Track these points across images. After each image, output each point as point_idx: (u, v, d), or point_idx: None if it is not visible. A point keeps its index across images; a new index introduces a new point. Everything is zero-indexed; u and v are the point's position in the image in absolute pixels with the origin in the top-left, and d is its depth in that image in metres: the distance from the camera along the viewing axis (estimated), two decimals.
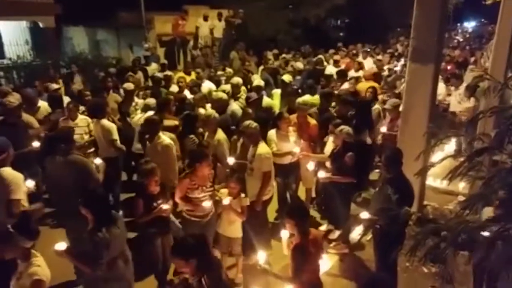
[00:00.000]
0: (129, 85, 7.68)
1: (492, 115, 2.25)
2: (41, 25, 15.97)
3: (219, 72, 10.18)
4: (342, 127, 5.36)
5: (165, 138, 5.48)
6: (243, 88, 8.16)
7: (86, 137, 6.23)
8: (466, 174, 2.19)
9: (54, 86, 8.12)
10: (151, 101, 6.78)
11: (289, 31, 17.33)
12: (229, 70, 10.24)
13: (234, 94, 7.62)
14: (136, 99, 7.58)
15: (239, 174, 4.95)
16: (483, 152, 2.14)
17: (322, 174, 5.44)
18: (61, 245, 3.42)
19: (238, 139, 5.80)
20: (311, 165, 5.58)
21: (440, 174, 6.14)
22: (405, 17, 13.41)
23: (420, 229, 2.64)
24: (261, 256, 3.72)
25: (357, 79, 8.86)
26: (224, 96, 7.00)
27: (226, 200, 4.57)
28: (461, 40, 22.47)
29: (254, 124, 5.21)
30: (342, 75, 9.06)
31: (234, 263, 5.01)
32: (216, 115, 5.97)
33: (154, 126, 5.53)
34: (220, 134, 5.72)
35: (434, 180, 6.60)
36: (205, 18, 14.01)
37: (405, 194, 4.00)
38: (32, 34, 16.29)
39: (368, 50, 14.11)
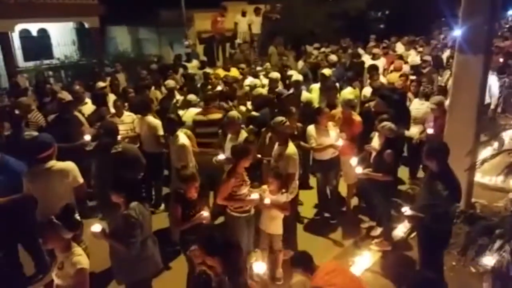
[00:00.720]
0: (170, 82, 7.86)
1: None
2: (86, 25, 16.63)
3: (258, 68, 10.20)
4: (384, 123, 5.22)
5: (182, 137, 5.55)
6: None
7: (131, 133, 6.42)
8: None
9: (101, 84, 8.43)
10: (192, 97, 6.90)
11: (328, 24, 17.02)
12: (268, 65, 10.23)
13: (272, 89, 7.58)
14: (177, 95, 7.73)
15: (277, 170, 4.90)
16: None
17: (359, 170, 5.35)
18: (97, 227, 3.65)
19: (267, 132, 5.71)
20: (354, 161, 5.47)
21: (488, 170, 5.89)
22: (449, 6, 12.84)
23: (471, 227, 2.54)
24: (258, 267, 3.73)
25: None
26: (264, 91, 6.98)
27: (267, 200, 4.57)
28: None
29: (286, 123, 5.13)
30: (373, 69, 8.85)
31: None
32: (239, 116, 5.75)
33: (172, 125, 5.67)
34: (244, 135, 5.62)
35: (482, 176, 6.32)
36: (243, 14, 14.03)
37: (454, 189, 3.81)
38: (78, 34, 17.03)
39: (411, 40, 13.65)
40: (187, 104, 6.86)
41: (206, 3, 15.34)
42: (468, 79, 5.12)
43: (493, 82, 8.19)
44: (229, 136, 5.63)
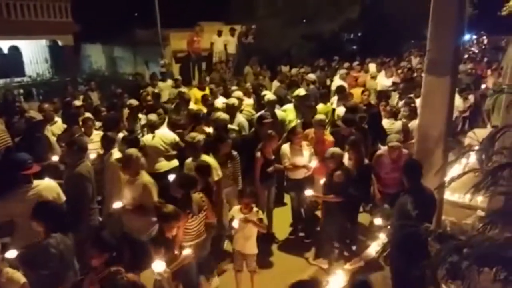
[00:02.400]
0: (133, 102, 7.77)
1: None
2: (60, 43, 16.40)
3: (234, 87, 10.24)
4: (330, 149, 5.36)
5: (115, 155, 5.35)
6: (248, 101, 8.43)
7: (101, 151, 6.27)
8: (488, 189, 2.13)
9: (76, 103, 8.28)
10: (152, 117, 6.73)
11: (302, 45, 17.40)
12: (248, 84, 10.24)
13: (238, 107, 7.55)
14: (140, 115, 7.61)
15: (251, 188, 4.95)
16: (505, 168, 2.08)
17: (309, 192, 5.40)
18: (12, 253, 3.49)
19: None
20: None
21: (457, 188, 6.01)
22: (419, 29, 13.34)
23: (441, 246, 2.56)
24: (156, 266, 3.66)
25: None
26: (223, 116, 6.68)
27: (235, 223, 4.54)
28: (476, 51, 22.23)
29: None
30: (341, 91, 9.03)
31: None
32: (201, 137, 5.66)
33: (109, 143, 5.58)
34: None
35: (451, 194, 6.45)
36: (219, 34, 14.19)
37: (425, 208, 3.87)
38: (52, 52, 16.76)
39: (382, 62, 14.07)
40: (149, 123, 6.69)
41: (182, 23, 15.44)
42: (436, 99, 5.26)
43: (457, 102, 8.49)
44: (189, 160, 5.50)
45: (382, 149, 5.96)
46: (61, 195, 4.41)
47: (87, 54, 18.58)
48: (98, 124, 7.05)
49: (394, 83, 9.78)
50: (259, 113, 7.10)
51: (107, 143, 5.58)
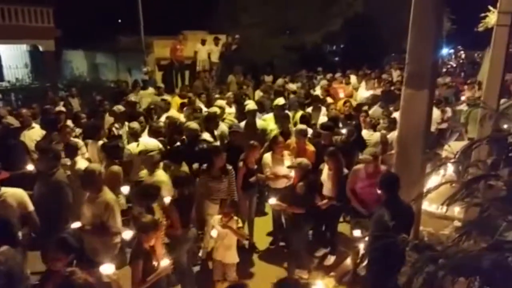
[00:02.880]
0: (121, 108, 7.71)
1: (488, 144, 2.26)
2: (40, 48, 16.17)
3: (216, 96, 10.24)
4: (298, 159, 5.43)
5: (81, 162, 5.23)
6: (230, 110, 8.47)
7: None
8: (463, 200, 2.18)
9: (57, 109, 8.15)
10: (134, 125, 6.63)
11: (285, 56, 17.58)
12: (228, 94, 10.23)
13: (219, 116, 7.57)
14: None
15: (231, 198, 5.00)
16: (480, 180, 2.14)
17: (273, 201, 5.43)
18: None
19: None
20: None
21: (435, 198, 6.12)
22: (400, 42, 13.64)
23: (418, 256, 2.61)
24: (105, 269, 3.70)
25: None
26: (193, 125, 6.56)
27: (214, 232, 4.54)
28: (454, 65, 22.84)
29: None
30: (316, 100, 9.18)
31: None
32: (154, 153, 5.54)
33: (71, 151, 5.48)
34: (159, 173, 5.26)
35: (429, 205, 6.56)
36: (203, 42, 14.21)
37: (402, 220, 3.90)
38: (32, 57, 16.51)
39: (364, 74, 14.32)
40: (131, 132, 6.57)
41: (165, 30, 15.44)
42: (415, 112, 5.37)
43: (435, 114, 8.67)
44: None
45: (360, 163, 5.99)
46: (28, 204, 4.29)
47: (69, 60, 18.39)
48: (78, 130, 6.95)
49: (372, 96, 9.93)
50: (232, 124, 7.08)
51: (69, 152, 5.45)
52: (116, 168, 5.34)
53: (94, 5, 18.22)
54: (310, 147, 6.31)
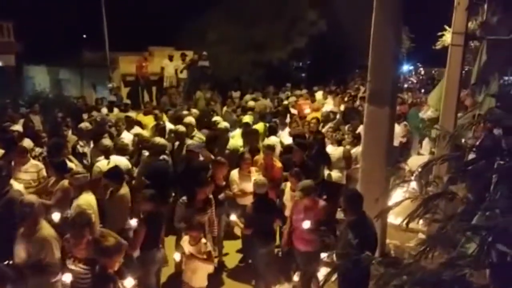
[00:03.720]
0: (88, 125, 7.54)
1: (443, 163, 2.37)
2: (0, 63, 15.63)
3: (185, 112, 10.16)
4: (257, 178, 5.41)
5: (14, 186, 4.90)
6: None
7: (35, 185, 5.76)
8: (422, 217, 2.26)
9: (16, 127, 7.85)
10: (107, 141, 6.50)
11: (252, 72, 17.78)
12: (194, 110, 10.18)
13: (188, 134, 7.47)
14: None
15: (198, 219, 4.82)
16: (437, 198, 2.22)
17: (233, 217, 5.42)
18: None
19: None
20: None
21: (400, 212, 6.28)
22: (363, 58, 14.08)
23: (383, 272, 2.67)
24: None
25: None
26: (162, 141, 6.48)
27: (177, 256, 4.47)
28: (415, 81, 23.77)
29: None
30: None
31: None
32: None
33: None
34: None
35: (395, 218, 6.72)
36: (170, 58, 14.17)
37: (366, 238, 3.92)
38: None
39: (330, 90, 14.67)
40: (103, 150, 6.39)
41: (131, 46, 15.30)
42: (378, 128, 5.55)
43: (397, 129, 8.97)
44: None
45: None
46: None
47: (31, 76, 17.80)
48: (38, 150, 6.71)
49: (332, 112, 10.08)
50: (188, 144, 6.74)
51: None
52: (66, 183, 5.13)
53: (57, 20, 17.87)
54: (278, 164, 6.36)
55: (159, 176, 5.89)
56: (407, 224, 2.31)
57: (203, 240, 4.60)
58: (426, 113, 9.47)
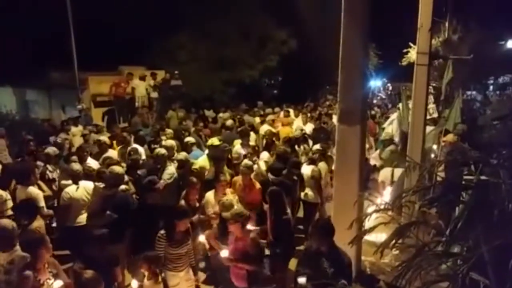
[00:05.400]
0: (55, 150, 7.36)
1: (413, 195, 2.44)
2: None
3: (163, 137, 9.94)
4: (234, 209, 5.09)
5: None
6: None
7: None
8: (395, 244, 2.30)
9: None
10: (76, 166, 6.36)
11: (224, 90, 17.88)
12: (169, 131, 10.00)
13: (169, 157, 7.23)
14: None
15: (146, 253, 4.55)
16: (410, 226, 2.28)
17: (224, 253, 4.81)
18: None
19: None
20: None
21: (375, 228, 6.37)
22: (332, 74, 14.36)
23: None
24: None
25: None
26: (119, 170, 6.02)
27: (134, 283, 4.34)
28: (384, 97, 24.45)
29: None
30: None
31: None
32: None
33: None
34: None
35: (369, 234, 6.80)
36: (142, 78, 14.06)
37: (342, 266, 3.93)
38: None
39: (301, 108, 14.86)
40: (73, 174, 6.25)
41: (100, 66, 15.06)
42: (349, 146, 5.64)
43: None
44: None
45: None
46: None
47: None
48: None
49: (302, 132, 10.10)
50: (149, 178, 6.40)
51: None
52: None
53: (23, 39, 17.40)
54: (257, 185, 6.30)
55: (118, 211, 5.47)
56: (381, 252, 2.35)
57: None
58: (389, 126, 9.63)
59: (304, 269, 4.03)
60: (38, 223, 5.05)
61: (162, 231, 4.78)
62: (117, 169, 5.96)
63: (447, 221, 2.18)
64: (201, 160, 7.43)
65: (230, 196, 5.89)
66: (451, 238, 1.99)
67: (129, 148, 7.96)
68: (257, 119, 12.41)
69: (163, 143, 7.93)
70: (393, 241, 2.23)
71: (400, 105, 9.03)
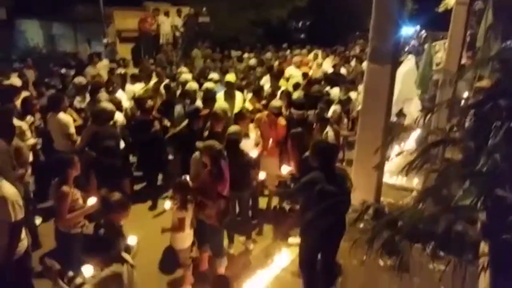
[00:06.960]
0: (81, 80, 7.44)
1: (447, 107, 2.33)
2: None
3: (184, 69, 9.96)
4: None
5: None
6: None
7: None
8: (421, 167, 2.23)
9: (11, 81, 7.73)
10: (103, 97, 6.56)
11: (251, 31, 17.37)
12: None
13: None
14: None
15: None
16: (438, 145, 2.20)
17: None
18: None
19: None
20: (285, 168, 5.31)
21: (395, 171, 6.35)
22: (363, 20, 13.76)
23: (377, 222, 2.70)
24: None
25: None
26: (109, 107, 5.94)
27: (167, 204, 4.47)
28: (416, 45, 23.34)
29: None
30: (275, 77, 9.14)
31: None
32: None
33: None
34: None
35: (390, 176, 6.80)
36: (167, 14, 13.79)
37: (339, 184, 3.83)
38: None
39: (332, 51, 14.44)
40: None
41: (126, 1, 14.81)
42: (378, 86, 5.49)
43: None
44: None
45: None
46: None
47: (22, 30, 17.31)
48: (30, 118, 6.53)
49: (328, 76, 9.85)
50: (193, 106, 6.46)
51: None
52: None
53: None
54: (282, 121, 6.16)
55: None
56: (406, 174, 2.30)
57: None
58: None
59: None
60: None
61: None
62: (111, 106, 5.98)
63: (478, 140, 2.07)
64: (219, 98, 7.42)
65: (253, 130, 5.89)
66: (478, 155, 1.90)
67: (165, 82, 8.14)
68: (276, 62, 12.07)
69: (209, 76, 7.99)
70: (418, 162, 2.15)
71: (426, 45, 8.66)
